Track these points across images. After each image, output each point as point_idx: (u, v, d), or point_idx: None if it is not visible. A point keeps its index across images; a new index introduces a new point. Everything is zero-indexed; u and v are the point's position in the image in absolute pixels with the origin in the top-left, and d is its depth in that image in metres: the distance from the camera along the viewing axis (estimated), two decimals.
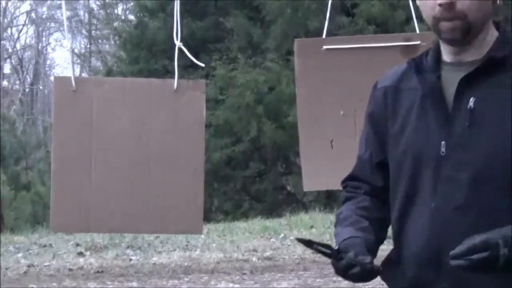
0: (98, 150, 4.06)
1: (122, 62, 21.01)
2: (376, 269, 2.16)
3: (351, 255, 2.14)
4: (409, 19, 15.27)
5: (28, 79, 33.91)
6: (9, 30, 32.81)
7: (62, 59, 32.14)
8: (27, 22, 33.77)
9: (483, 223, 2.07)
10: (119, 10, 29.13)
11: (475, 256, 2.00)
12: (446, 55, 2.24)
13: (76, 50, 31.14)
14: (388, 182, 2.32)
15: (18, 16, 33.45)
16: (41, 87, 34.03)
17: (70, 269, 9.80)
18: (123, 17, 26.96)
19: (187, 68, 14.50)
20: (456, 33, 2.14)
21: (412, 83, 2.28)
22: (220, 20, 18.61)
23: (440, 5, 2.12)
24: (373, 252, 2.24)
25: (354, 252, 2.15)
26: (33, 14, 33.74)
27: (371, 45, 4.14)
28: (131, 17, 24.27)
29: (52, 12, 33.14)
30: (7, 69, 33.07)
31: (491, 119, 2.13)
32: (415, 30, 4.22)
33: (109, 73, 20.58)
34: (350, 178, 2.43)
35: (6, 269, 9.76)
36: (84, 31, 32.34)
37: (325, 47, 4.14)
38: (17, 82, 33.64)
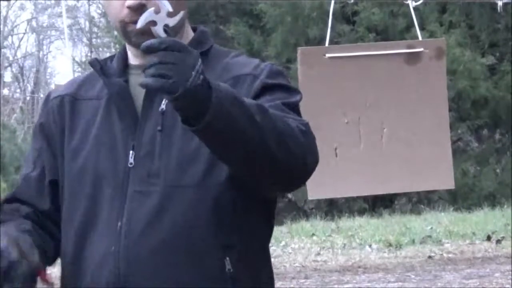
0: None
1: None
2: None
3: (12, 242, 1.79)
4: (409, 27, 15.30)
5: (29, 87, 33.95)
6: (9, 39, 32.85)
7: (63, 67, 32.12)
8: (27, 30, 33.83)
9: (175, 240, 1.84)
10: None
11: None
12: (134, 58, 1.99)
13: (76, 58, 31.13)
14: (56, 206, 1.98)
15: (18, 25, 33.51)
16: (42, 95, 34.00)
17: None
18: None
19: None
20: (148, 37, 1.77)
21: (94, 91, 2.00)
22: (220, 28, 18.64)
23: (129, 7, 1.88)
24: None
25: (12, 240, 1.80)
26: (33, 23, 33.80)
27: (374, 52, 4.14)
28: None
29: (53, 20, 33.19)
30: (8, 77, 33.11)
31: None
32: (415, 38, 4.22)
33: None
34: (8, 200, 2.03)
35: None
36: (84, 39, 32.38)
37: (328, 55, 4.14)
38: (18, 90, 33.67)
